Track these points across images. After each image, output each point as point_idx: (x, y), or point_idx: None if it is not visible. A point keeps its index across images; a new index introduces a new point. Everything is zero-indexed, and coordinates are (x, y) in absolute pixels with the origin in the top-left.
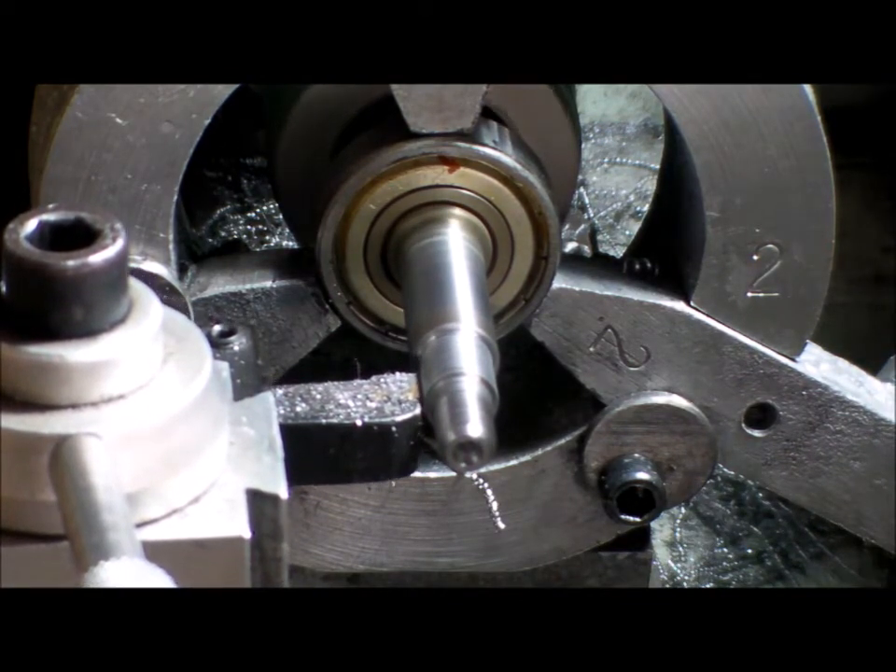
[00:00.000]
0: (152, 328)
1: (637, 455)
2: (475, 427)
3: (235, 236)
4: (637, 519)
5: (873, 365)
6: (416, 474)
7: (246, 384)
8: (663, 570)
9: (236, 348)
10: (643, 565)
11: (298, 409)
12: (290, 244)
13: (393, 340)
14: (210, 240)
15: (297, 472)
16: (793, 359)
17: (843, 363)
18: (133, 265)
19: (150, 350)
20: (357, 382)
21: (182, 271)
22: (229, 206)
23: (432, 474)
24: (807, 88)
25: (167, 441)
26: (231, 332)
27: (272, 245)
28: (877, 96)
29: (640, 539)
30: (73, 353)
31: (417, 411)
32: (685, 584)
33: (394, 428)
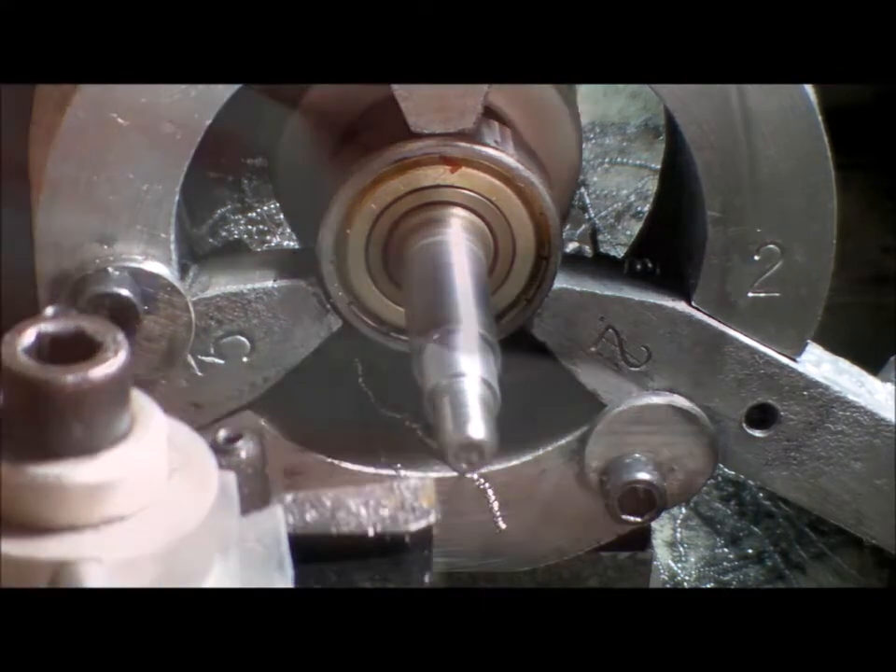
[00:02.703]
0: (156, 444)
1: (637, 455)
2: (477, 427)
3: (236, 236)
4: (638, 519)
5: (873, 365)
6: (417, 473)
7: (254, 492)
8: (663, 570)
9: (243, 455)
10: (644, 565)
11: (308, 517)
12: (291, 243)
13: (394, 340)
14: (211, 240)
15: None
16: (794, 359)
17: (844, 363)
18: (133, 265)
19: (154, 467)
20: (369, 487)
21: (183, 271)
22: (230, 206)
23: (432, 474)
24: (808, 88)
25: (172, 564)
26: (237, 437)
27: (273, 244)
28: (877, 96)
29: (641, 539)
30: (72, 473)
31: (432, 518)
32: (685, 584)
33: (407, 539)
